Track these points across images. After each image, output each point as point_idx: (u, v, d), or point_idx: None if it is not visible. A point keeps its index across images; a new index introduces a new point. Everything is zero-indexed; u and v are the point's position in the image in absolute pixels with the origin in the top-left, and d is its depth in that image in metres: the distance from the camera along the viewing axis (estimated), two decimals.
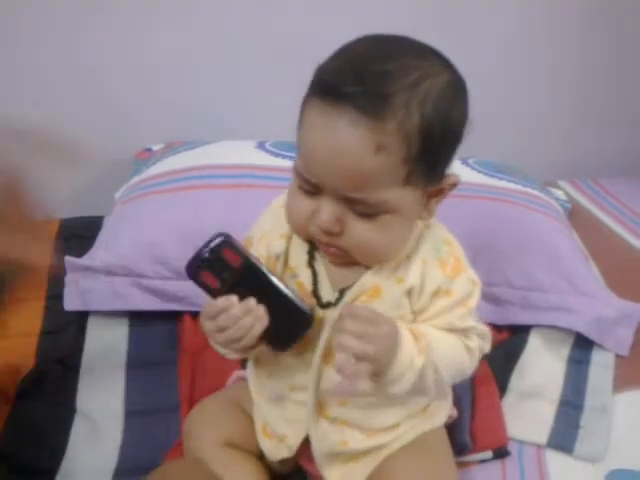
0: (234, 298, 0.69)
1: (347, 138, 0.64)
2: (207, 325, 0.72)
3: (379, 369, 0.69)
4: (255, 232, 0.83)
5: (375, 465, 0.81)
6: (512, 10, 1.60)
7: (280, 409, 0.82)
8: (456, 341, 0.75)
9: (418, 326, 0.75)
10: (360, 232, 0.69)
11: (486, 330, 0.79)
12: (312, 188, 0.69)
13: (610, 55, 1.73)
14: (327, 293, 0.76)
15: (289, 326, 0.71)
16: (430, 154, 0.68)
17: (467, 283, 0.77)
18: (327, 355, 0.77)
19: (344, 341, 0.67)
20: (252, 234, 0.83)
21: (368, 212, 0.68)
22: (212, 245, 0.68)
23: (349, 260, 0.73)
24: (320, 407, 0.80)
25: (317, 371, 0.77)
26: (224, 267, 0.68)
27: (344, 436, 0.80)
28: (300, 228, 0.73)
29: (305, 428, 0.80)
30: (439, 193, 0.74)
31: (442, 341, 0.74)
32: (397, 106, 0.64)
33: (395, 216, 0.69)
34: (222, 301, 0.69)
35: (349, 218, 0.69)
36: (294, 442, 0.81)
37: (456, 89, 0.70)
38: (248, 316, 0.69)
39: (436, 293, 0.75)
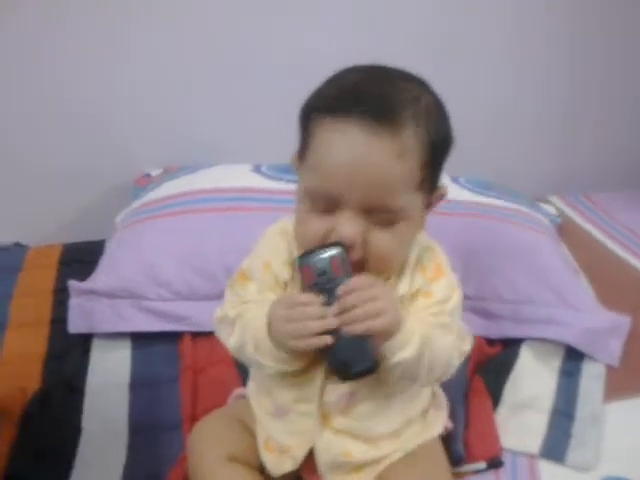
0: (318, 299, 0.71)
1: (370, 148, 0.69)
2: (279, 312, 0.73)
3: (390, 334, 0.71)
4: (255, 263, 0.85)
5: (376, 475, 0.83)
6: (504, 23, 1.63)
7: (283, 422, 0.84)
8: (440, 331, 0.77)
9: None
10: (382, 242, 0.73)
11: (464, 329, 0.81)
12: (329, 205, 0.72)
13: (601, 72, 1.76)
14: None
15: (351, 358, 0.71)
16: (436, 161, 0.76)
17: (446, 287, 0.80)
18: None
19: (357, 328, 0.68)
20: (250, 266, 0.85)
21: (389, 220, 0.72)
22: (325, 254, 0.71)
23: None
24: (324, 418, 0.81)
25: (321, 384, 0.80)
26: (327, 270, 0.71)
27: (348, 447, 0.82)
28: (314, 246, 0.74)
29: (309, 440, 0.82)
30: (430, 205, 0.80)
31: (427, 328, 0.76)
32: (408, 116, 0.71)
33: (409, 223, 0.74)
34: (305, 297, 0.72)
35: (369, 230, 0.72)
36: (299, 454, 0.82)
37: (441, 106, 0.77)
38: (319, 321, 0.70)
39: (415, 295, 0.79)
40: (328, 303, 0.70)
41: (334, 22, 1.52)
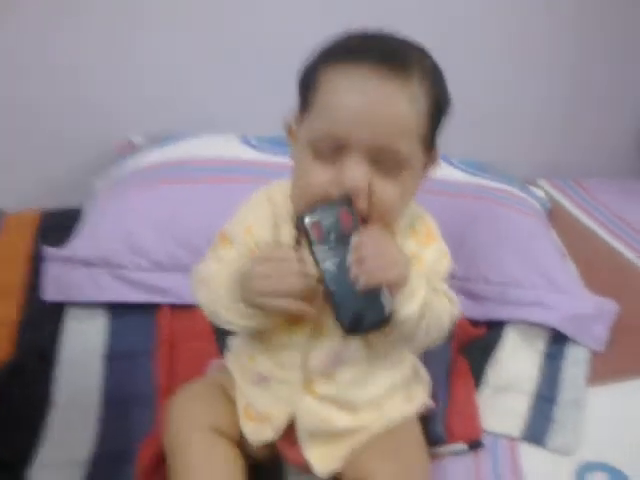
0: (293, 254, 0.70)
1: (382, 88, 0.69)
2: (255, 268, 0.71)
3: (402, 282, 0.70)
4: (236, 228, 0.83)
5: (354, 446, 0.81)
6: (503, 13, 1.64)
7: (263, 390, 0.82)
8: (435, 294, 0.76)
9: None
10: (387, 192, 0.72)
11: (453, 294, 0.81)
12: (334, 153, 0.71)
13: (600, 61, 1.78)
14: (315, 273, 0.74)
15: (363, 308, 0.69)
16: (437, 119, 0.76)
17: (437, 252, 0.81)
18: (315, 332, 0.77)
19: (370, 279, 0.67)
20: (232, 230, 0.83)
21: (394, 168, 0.72)
22: (333, 209, 0.70)
23: None
24: (306, 384, 0.80)
25: (305, 348, 0.78)
26: (335, 224, 0.69)
27: (330, 414, 0.80)
28: (316, 199, 0.72)
29: (290, 406, 0.80)
30: (425, 167, 0.80)
31: (426, 286, 0.75)
32: (415, 67, 0.72)
33: (412, 174, 0.74)
34: (282, 252, 0.71)
35: (374, 179, 0.71)
36: (280, 421, 0.80)
37: (440, 69, 0.78)
38: (297, 278, 0.68)
39: (411, 259, 0.76)
40: (339, 258, 0.68)
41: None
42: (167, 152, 1.37)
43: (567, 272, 1.26)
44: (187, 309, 1.10)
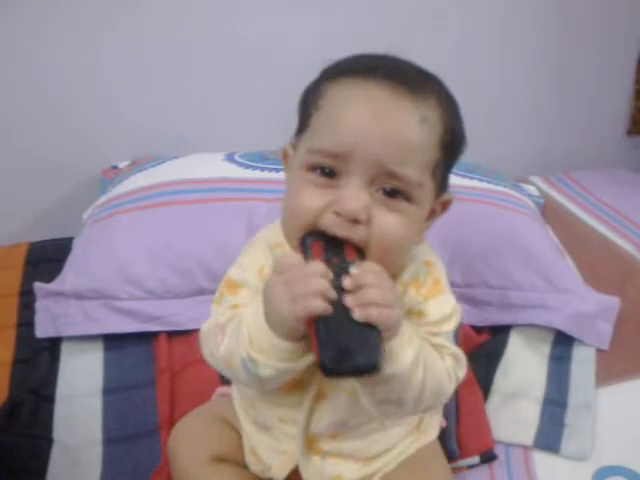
0: (302, 259, 0.61)
1: (392, 104, 0.63)
2: (274, 280, 0.60)
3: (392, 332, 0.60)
4: (246, 272, 0.74)
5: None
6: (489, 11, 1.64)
7: (267, 437, 0.79)
8: (434, 352, 0.69)
9: None
10: (389, 222, 0.64)
11: (461, 354, 0.72)
12: (332, 174, 0.64)
13: (585, 55, 1.78)
14: None
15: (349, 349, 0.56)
16: (451, 152, 0.69)
17: (442, 306, 0.71)
18: (318, 396, 0.74)
19: (372, 313, 0.56)
20: (239, 275, 0.74)
21: (401, 197, 0.64)
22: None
23: None
24: (310, 443, 0.77)
25: (308, 412, 0.74)
26: (339, 252, 0.63)
27: (337, 469, 0.77)
28: (308, 224, 0.65)
29: (292, 461, 0.77)
30: (432, 214, 0.73)
31: (425, 346, 0.67)
32: (433, 90, 0.66)
33: (419, 210, 0.67)
34: (298, 258, 0.62)
35: (375, 207, 0.64)
36: (280, 474, 0.78)
37: (457, 104, 0.72)
38: (322, 279, 0.57)
39: (408, 313, 0.69)
40: (336, 282, 0.58)
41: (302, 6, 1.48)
42: (153, 175, 1.34)
43: (567, 271, 1.24)
44: (185, 336, 1.09)
